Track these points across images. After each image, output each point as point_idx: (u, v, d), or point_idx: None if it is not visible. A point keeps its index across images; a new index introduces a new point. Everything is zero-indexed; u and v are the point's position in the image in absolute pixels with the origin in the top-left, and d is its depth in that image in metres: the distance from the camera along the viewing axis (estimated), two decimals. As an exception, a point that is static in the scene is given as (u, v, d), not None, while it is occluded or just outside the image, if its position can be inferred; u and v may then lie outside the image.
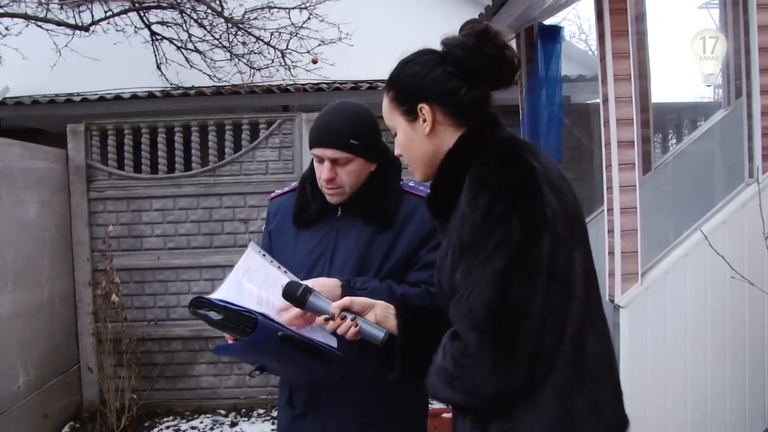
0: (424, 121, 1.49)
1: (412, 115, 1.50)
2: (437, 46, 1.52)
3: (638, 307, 3.45)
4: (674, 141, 6.39)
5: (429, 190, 1.57)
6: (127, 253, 5.67)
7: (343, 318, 1.60)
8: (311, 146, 1.95)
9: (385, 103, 1.56)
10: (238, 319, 1.66)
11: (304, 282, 1.72)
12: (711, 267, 3.34)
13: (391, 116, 1.55)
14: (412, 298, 1.84)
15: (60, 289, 5.40)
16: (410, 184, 2.06)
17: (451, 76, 1.47)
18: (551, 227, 1.32)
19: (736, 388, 3.46)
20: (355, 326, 1.59)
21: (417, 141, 1.51)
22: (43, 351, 5.05)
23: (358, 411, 1.94)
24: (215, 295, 1.72)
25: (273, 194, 2.23)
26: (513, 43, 5.43)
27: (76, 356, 5.60)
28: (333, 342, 1.79)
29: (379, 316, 1.62)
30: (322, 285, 1.77)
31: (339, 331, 1.62)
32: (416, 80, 1.49)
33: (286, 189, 2.19)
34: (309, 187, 2.05)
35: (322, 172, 1.93)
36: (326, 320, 1.64)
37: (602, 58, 3.58)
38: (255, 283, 1.79)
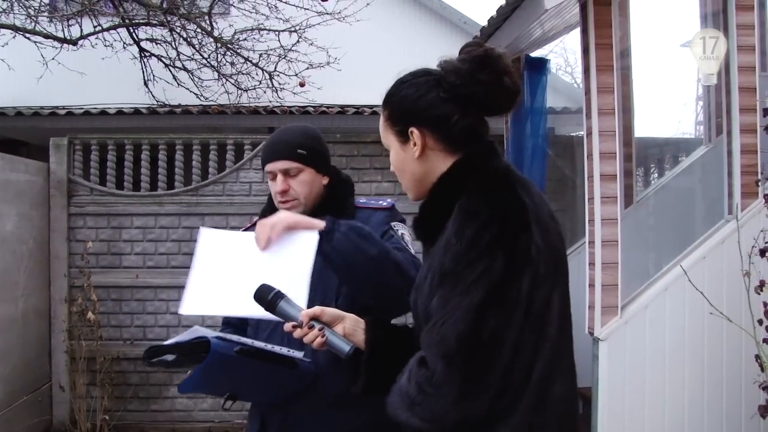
0: (415, 144, 1.48)
1: (404, 136, 1.50)
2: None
3: (617, 340, 3.45)
4: (656, 175, 6.45)
5: (417, 212, 1.55)
6: (106, 270, 5.60)
7: (311, 327, 1.59)
8: (263, 164, 2.04)
9: (381, 120, 1.56)
10: (192, 349, 1.66)
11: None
12: (690, 302, 3.37)
13: (385, 135, 1.55)
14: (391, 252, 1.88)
15: (35, 304, 5.32)
16: (361, 200, 2.15)
17: (445, 102, 1.45)
18: (534, 265, 1.31)
19: (714, 423, 3.46)
20: (322, 336, 1.58)
21: (408, 162, 1.51)
22: (14, 367, 4.95)
23: (329, 428, 1.95)
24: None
25: (247, 225, 2.28)
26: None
27: (48, 374, 5.50)
28: (298, 354, 1.80)
29: (347, 329, 1.62)
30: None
31: (306, 339, 1.60)
32: (409, 102, 1.49)
33: (248, 225, 2.25)
34: (270, 211, 2.05)
35: (276, 186, 2.00)
36: (293, 327, 1.63)
37: (587, 91, 3.62)
38: (224, 260, 1.85)
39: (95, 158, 5.73)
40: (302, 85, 7.33)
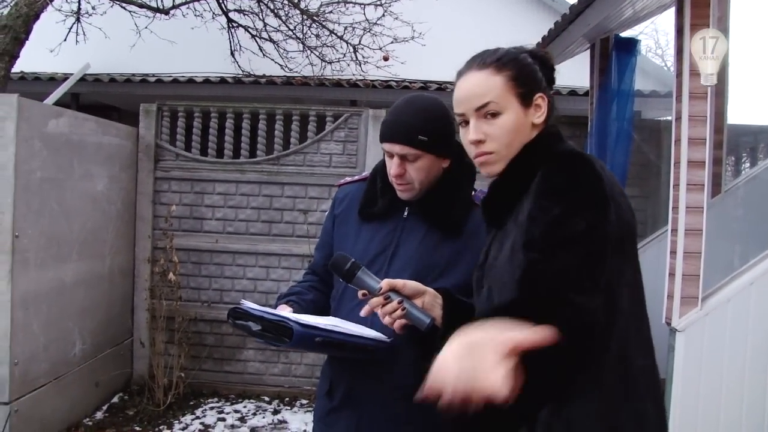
0: (537, 110, 1.46)
1: (527, 100, 1.44)
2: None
3: (696, 332, 3.34)
4: (748, 164, 6.18)
5: (488, 191, 1.52)
6: (187, 234, 5.79)
7: (387, 299, 1.59)
8: (381, 140, 1.92)
9: (496, 79, 1.43)
10: (276, 329, 1.66)
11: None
12: (777, 298, 3.23)
13: (503, 94, 1.42)
14: None
15: (121, 263, 5.55)
16: (481, 197, 2.01)
17: (547, 80, 1.50)
18: (610, 239, 1.28)
19: (794, 426, 3.33)
20: (402, 310, 1.58)
21: (524, 128, 1.45)
22: (99, 321, 5.19)
23: (392, 415, 1.90)
24: (249, 305, 1.74)
25: (342, 181, 2.20)
26: (587, 54, 5.34)
27: (130, 330, 5.74)
28: (380, 336, 1.78)
29: (426, 303, 1.62)
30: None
31: (383, 310, 1.60)
32: (534, 69, 1.48)
33: (357, 178, 2.16)
34: (380, 181, 2.02)
35: (392, 167, 1.90)
36: (364, 295, 1.63)
37: (679, 74, 3.49)
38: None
39: (182, 125, 5.89)
40: (386, 59, 7.33)
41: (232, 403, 5.53)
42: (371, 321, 1.80)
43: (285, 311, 1.81)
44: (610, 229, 1.28)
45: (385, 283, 1.61)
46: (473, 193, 1.98)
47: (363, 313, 1.69)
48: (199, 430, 4.95)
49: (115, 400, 5.42)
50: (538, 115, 1.45)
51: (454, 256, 1.90)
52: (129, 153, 5.69)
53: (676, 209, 3.45)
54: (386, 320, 1.63)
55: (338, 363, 2.01)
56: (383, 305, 1.61)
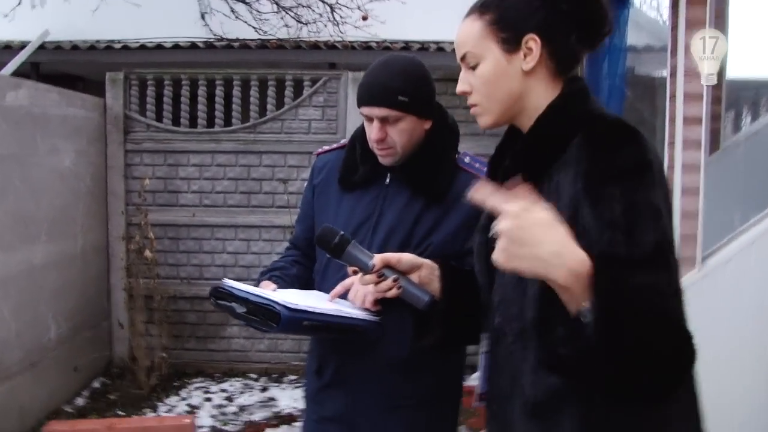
0: (527, 55, 1.25)
1: (512, 45, 1.25)
2: None
3: (694, 294, 3.15)
4: (748, 120, 6.01)
5: (521, 146, 1.31)
6: (162, 209, 5.56)
7: (381, 276, 1.48)
8: (359, 104, 1.83)
9: (475, 26, 1.28)
10: (262, 312, 1.54)
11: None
12: (779, 257, 3.11)
13: (480, 42, 1.27)
14: None
15: (93, 241, 5.32)
16: (465, 160, 1.90)
17: (564, 15, 1.24)
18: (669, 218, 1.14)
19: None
20: (398, 288, 1.48)
21: (508, 77, 1.26)
22: (75, 303, 4.99)
23: (385, 391, 1.85)
24: (233, 284, 1.62)
25: (320, 150, 2.09)
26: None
27: (107, 311, 5.54)
28: (370, 317, 1.68)
29: (423, 277, 1.50)
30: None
31: (377, 288, 1.51)
32: (528, 7, 1.25)
33: (335, 146, 2.07)
34: (359, 148, 1.92)
35: (372, 131, 1.81)
36: (355, 272, 1.53)
37: (674, 26, 3.34)
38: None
39: (151, 94, 5.62)
40: (365, 18, 7.04)
41: (219, 382, 5.38)
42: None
43: (269, 288, 1.73)
44: (667, 202, 1.15)
45: (378, 259, 1.49)
46: (457, 155, 1.91)
47: (351, 296, 1.67)
48: (186, 411, 4.79)
49: (97, 384, 5.23)
50: (527, 61, 1.25)
51: (436, 221, 1.84)
52: (96, 125, 5.42)
53: (672, 168, 3.33)
54: (368, 298, 1.62)
55: (326, 340, 1.94)
56: (376, 283, 1.50)
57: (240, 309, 1.57)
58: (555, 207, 1.08)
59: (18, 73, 6.14)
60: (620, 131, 1.16)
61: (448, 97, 5.87)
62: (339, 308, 1.67)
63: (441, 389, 1.90)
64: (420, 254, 1.60)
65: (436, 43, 6.91)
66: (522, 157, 1.27)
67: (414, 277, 1.50)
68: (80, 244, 5.09)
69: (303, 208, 2.08)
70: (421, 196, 1.84)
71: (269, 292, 1.64)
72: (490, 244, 1.30)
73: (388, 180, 1.88)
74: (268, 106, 5.60)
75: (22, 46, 6.82)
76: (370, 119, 1.81)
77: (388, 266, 1.49)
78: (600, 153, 1.13)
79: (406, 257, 1.52)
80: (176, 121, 5.63)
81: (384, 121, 1.78)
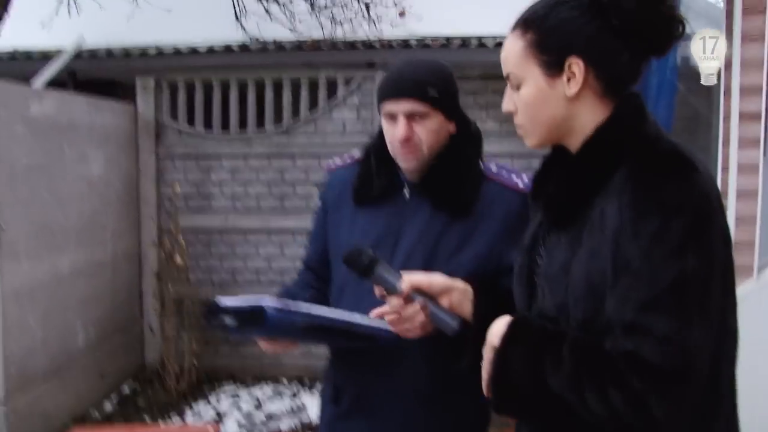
0: (570, 79, 1.17)
1: (554, 68, 1.18)
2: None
3: (750, 304, 2.95)
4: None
5: (559, 182, 1.24)
6: (195, 213, 5.52)
7: (408, 299, 1.43)
8: (381, 100, 1.68)
9: (517, 45, 1.21)
10: (251, 317, 1.43)
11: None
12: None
13: (522, 63, 1.20)
14: None
15: (124, 248, 5.31)
16: (492, 168, 1.75)
17: (615, 33, 1.15)
18: (726, 260, 1.11)
19: None
20: (426, 315, 1.44)
21: (551, 101, 1.20)
22: (104, 310, 4.99)
23: (405, 422, 1.73)
24: (222, 298, 1.51)
25: (331, 164, 1.97)
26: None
27: (138, 316, 5.53)
28: (380, 324, 1.57)
29: (454, 301, 1.44)
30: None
31: (404, 314, 1.45)
32: (572, 27, 1.16)
33: (348, 160, 1.92)
34: (374, 160, 1.78)
35: (397, 130, 1.65)
36: (383, 295, 1.47)
37: (729, 13, 3.23)
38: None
39: (183, 98, 5.59)
40: (402, 14, 6.89)
41: (249, 387, 5.30)
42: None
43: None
44: (724, 241, 1.10)
45: (407, 282, 1.44)
46: (482, 163, 1.77)
47: (374, 314, 1.55)
48: (213, 418, 4.72)
49: (126, 390, 5.23)
50: (570, 86, 1.18)
51: (464, 238, 1.69)
52: (127, 132, 5.41)
53: (726, 169, 3.23)
54: (405, 325, 1.50)
55: (343, 365, 1.85)
56: (401, 306, 1.46)
57: (231, 322, 1.46)
58: (600, 237, 1.10)
59: (55, 81, 6.18)
60: (667, 164, 1.10)
61: (489, 95, 5.67)
62: (351, 317, 1.58)
63: (460, 425, 1.77)
64: (448, 275, 1.50)
65: (478, 38, 6.70)
66: (566, 185, 1.21)
67: (444, 300, 1.44)
68: (110, 251, 5.08)
69: (315, 227, 1.95)
70: (445, 210, 1.70)
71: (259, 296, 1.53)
72: (532, 266, 1.26)
73: (407, 193, 1.74)
74: (302, 108, 5.49)
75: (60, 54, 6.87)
76: (393, 117, 1.66)
77: (417, 289, 1.43)
78: (642, 187, 1.07)
79: (438, 281, 1.45)
80: (208, 126, 5.57)
81: (411, 117, 1.64)
